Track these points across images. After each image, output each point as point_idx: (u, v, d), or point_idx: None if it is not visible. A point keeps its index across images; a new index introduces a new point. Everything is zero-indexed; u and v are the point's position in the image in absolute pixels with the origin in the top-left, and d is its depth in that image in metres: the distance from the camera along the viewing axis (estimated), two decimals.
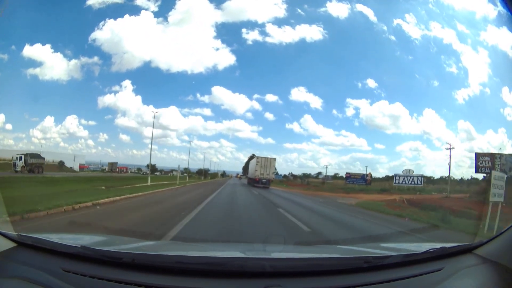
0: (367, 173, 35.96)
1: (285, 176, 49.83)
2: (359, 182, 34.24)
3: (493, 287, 1.75)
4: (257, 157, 32.51)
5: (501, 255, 1.84)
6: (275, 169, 32.84)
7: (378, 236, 7.15)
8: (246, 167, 48.68)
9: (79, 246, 1.67)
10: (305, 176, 49.18)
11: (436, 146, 38.76)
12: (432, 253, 1.92)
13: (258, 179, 31.28)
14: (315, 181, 43.71)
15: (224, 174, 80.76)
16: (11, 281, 1.48)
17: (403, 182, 25.96)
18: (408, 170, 26.98)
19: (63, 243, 1.77)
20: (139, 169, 69.90)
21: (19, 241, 1.78)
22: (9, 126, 38.13)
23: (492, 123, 32.41)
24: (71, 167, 47.63)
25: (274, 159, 33.03)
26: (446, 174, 29.86)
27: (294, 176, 50.70)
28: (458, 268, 1.84)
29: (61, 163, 44.20)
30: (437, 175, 34.63)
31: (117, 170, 55.64)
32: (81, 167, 52.17)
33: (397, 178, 29.44)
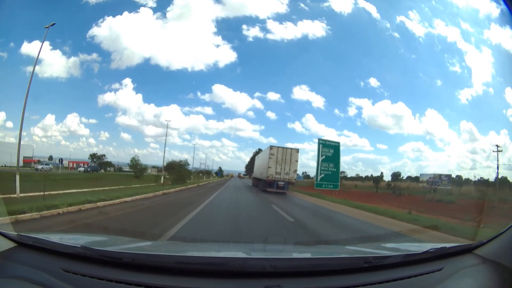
0: None
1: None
2: None
3: (493, 287, 1.74)
4: (272, 148, 22.01)
5: (501, 255, 1.83)
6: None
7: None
8: (250, 165, 45.96)
9: (79, 246, 1.67)
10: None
11: (438, 147, 37.52)
12: (432, 253, 1.92)
13: (272, 180, 21.22)
14: (402, 186, 28.86)
15: (220, 171, 62.80)
16: (11, 281, 1.48)
17: None
18: None
19: (63, 243, 1.78)
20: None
21: (19, 241, 1.79)
22: (9, 124, 37.72)
23: (494, 124, 31.49)
24: None
25: (297, 150, 22.40)
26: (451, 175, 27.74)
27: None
28: (458, 268, 1.83)
29: None
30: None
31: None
32: (26, 161, 38.94)
33: None
